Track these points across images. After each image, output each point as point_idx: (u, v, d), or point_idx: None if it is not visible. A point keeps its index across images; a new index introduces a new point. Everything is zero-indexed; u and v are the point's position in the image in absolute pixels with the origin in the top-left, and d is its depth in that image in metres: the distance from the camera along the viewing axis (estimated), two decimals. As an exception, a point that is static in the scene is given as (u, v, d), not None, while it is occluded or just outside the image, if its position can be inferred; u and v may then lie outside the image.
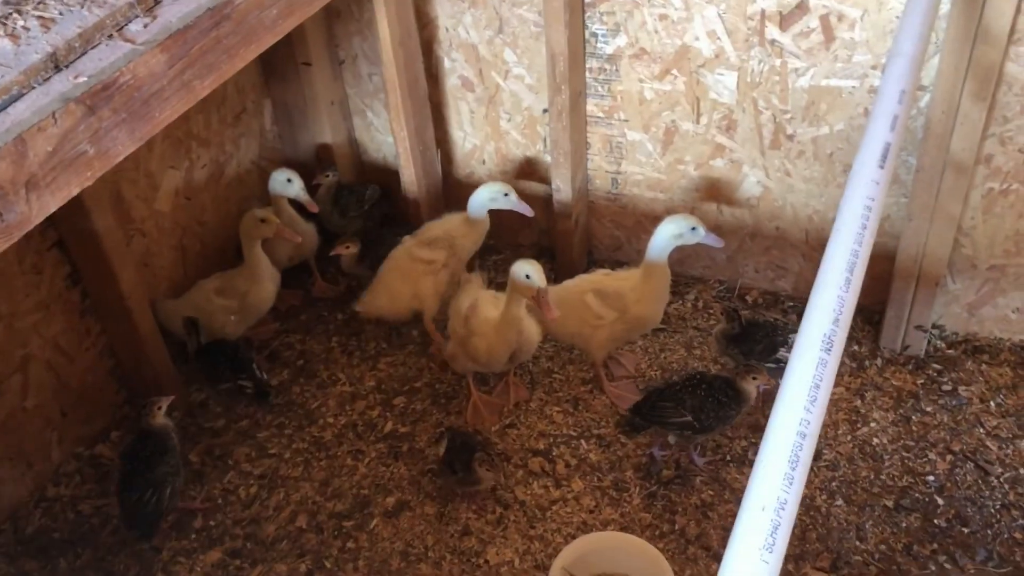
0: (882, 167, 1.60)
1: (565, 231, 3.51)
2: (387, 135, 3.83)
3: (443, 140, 3.66)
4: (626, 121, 3.31)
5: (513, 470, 2.99)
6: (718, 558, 2.71)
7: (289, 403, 3.29)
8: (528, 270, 2.78)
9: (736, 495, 2.87)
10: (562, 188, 3.42)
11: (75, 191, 1.85)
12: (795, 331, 3.07)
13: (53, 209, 1.81)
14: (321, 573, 2.75)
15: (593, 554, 2.26)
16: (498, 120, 3.52)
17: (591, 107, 3.33)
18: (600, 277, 3.10)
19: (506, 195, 3.21)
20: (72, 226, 2.85)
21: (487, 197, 3.22)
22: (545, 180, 3.57)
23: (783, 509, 1.15)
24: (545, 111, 3.40)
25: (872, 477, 2.89)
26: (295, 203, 3.49)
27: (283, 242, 3.39)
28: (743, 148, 3.19)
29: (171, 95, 2.03)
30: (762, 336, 3.04)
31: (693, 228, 2.92)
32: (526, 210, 3.24)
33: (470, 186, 3.75)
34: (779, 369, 3.01)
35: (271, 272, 3.34)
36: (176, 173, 3.34)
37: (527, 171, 3.60)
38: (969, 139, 2.73)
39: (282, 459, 3.10)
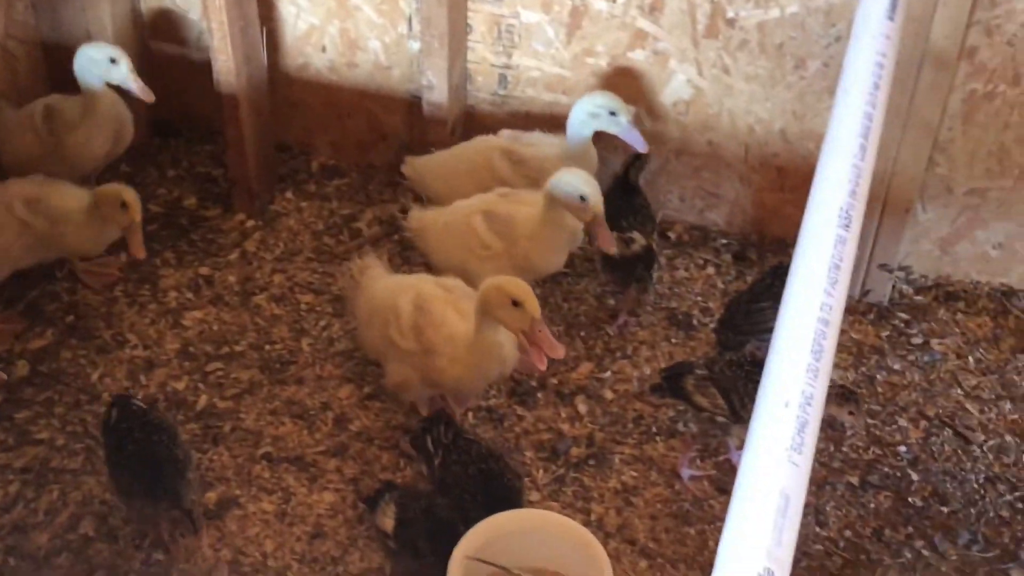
0: (891, 19, 1.74)
1: (438, 144, 3.55)
2: (187, 9, 3.76)
3: (267, 18, 3.64)
4: (520, -3, 3.40)
5: (378, 453, 3.03)
6: (646, 553, 2.85)
7: (58, 372, 3.22)
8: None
9: (664, 476, 3.02)
10: (436, 85, 3.47)
11: None
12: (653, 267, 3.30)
13: None
14: (119, 595, 2.72)
15: (505, 539, 2.32)
16: (346, -9, 3.54)
17: (474, -23, 3.40)
18: (494, 197, 3.16)
19: (612, 114, 3.17)
20: None
21: (585, 112, 3.19)
22: (408, 78, 3.60)
23: (809, 405, 1.26)
24: (412, -20, 3.44)
25: (832, 450, 3.10)
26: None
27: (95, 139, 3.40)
28: (671, 36, 3.33)
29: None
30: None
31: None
32: (638, 142, 3.22)
33: (300, 81, 3.75)
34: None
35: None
36: None
37: (383, 64, 3.62)
38: (953, 24, 2.95)
39: (53, 447, 3.02)
